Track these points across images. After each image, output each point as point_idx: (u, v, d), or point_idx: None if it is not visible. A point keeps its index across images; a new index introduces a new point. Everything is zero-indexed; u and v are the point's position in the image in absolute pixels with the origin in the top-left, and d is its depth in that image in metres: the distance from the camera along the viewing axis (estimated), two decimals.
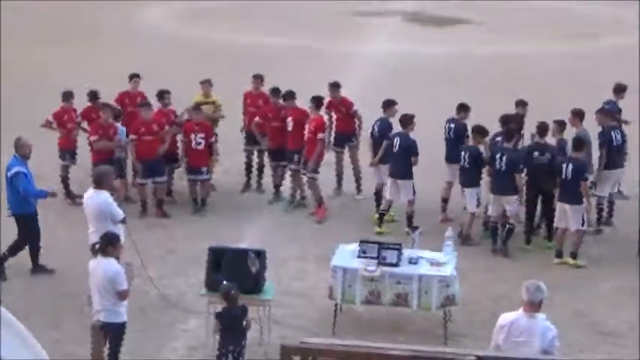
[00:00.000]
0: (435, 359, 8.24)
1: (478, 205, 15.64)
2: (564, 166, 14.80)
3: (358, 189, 17.65)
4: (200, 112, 16.92)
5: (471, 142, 15.78)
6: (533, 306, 9.10)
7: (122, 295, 10.77)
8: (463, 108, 16.68)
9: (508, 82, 25.21)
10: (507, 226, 15.15)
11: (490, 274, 14.41)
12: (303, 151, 16.61)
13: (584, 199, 14.72)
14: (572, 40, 33.19)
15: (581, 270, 14.62)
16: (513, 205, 15.10)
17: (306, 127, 16.63)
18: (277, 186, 17.38)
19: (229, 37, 32.34)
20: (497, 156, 15.08)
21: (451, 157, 16.33)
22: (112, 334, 10.87)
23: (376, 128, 16.55)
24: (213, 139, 16.93)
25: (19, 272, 14.29)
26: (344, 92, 17.81)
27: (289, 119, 16.72)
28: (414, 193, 15.82)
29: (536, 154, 15.40)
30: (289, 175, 17.10)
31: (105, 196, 12.72)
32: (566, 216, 14.79)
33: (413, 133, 15.96)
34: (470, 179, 15.64)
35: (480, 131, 15.67)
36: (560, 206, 14.90)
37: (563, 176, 14.77)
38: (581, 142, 15.21)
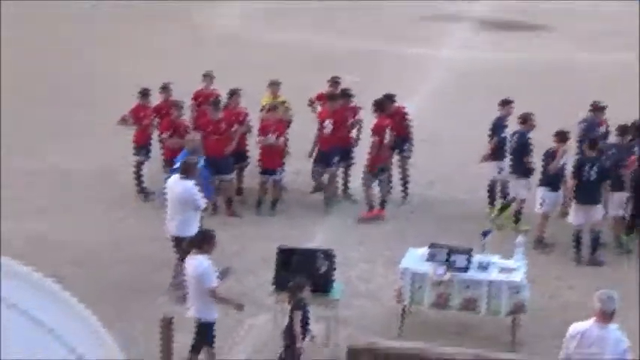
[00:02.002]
0: None
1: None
2: None
3: (405, 192, 17.49)
4: (277, 112, 16.98)
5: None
6: (606, 316, 8.96)
7: (211, 293, 10.84)
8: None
9: (579, 89, 24.88)
10: (592, 235, 14.96)
11: (560, 282, 14.24)
12: (341, 150, 16.90)
13: None
14: None
15: None
16: (599, 214, 14.90)
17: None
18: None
19: (299, 38, 32.42)
20: (587, 166, 14.89)
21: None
22: (199, 328, 11.02)
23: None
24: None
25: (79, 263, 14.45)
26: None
27: (328, 121, 16.81)
28: (528, 190, 15.79)
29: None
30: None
31: (191, 184, 13.11)
32: None
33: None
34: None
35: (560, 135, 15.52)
36: None
37: None
38: None
